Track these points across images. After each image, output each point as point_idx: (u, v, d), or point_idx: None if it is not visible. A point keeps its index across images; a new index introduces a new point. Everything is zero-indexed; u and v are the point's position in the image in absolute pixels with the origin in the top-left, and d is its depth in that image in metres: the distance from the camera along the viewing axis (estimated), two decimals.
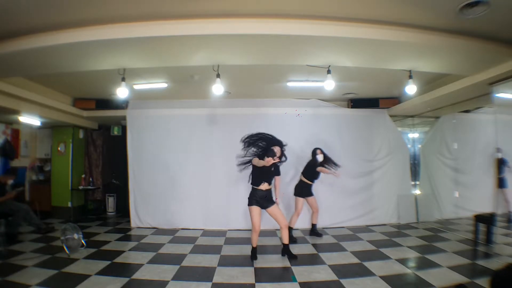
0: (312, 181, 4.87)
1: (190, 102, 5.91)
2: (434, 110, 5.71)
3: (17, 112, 4.94)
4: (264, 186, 3.70)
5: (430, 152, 6.36)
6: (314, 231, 5.06)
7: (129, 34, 2.92)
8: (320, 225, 5.36)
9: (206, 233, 5.34)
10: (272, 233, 5.27)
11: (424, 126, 6.65)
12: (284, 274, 3.38)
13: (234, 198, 5.64)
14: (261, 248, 4.28)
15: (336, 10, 2.79)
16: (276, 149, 3.65)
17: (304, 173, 4.89)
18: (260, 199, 3.70)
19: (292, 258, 3.78)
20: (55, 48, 3.10)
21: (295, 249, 4.34)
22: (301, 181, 4.90)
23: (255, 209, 3.69)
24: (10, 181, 5.21)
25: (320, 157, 4.76)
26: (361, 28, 2.91)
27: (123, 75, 3.91)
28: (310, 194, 4.92)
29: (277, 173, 3.86)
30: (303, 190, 4.85)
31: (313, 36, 2.93)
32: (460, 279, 3.12)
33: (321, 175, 4.88)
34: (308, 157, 4.99)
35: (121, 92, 4.03)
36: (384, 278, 3.19)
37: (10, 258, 3.77)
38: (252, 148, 3.81)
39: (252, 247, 3.86)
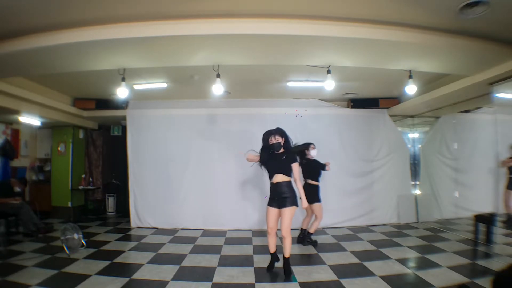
0: (317, 180, 4.52)
1: (190, 102, 5.91)
2: (434, 110, 5.71)
3: (17, 112, 4.94)
4: (275, 178, 3.20)
5: (430, 152, 6.37)
6: (309, 239, 4.53)
7: (129, 34, 2.92)
8: (320, 225, 5.35)
9: (206, 233, 5.33)
10: None
11: (424, 126, 6.65)
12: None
13: (234, 198, 5.65)
14: (262, 248, 4.29)
15: (336, 10, 2.78)
16: (275, 139, 3.24)
17: (307, 174, 4.54)
18: (274, 195, 3.21)
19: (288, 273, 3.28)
20: (55, 48, 3.10)
21: (295, 249, 4.34)
22: (307, 185, 4.43)
23: (269, 210, 3.25)
24: (18, 189, 5.35)
25: (314, 152, 4.47)
26: (361, 28, 2.91)
27: (123, 75, 3.90)
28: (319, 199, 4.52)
29: (292, 160, 3.26)
30: (311, 194, 4.33)
31: (313, 36, 2.93)
32: (460, 279, 3.12)
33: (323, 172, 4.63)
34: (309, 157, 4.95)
35: (121, 92, 4.03)
36: (384, 278, 3.19)
37: (10, 258, 3.77)
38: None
39: (270, 253, 3.44)
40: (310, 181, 4.52)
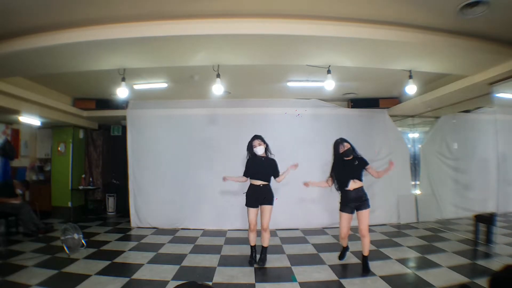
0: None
1: (190, 102, 5.90)
2: (434, 110, 5.71)
3: (17, 112, 4.94)
4: (352, 185, 3.35)
5: (430, 152, 6.36)
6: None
7: (129, 34, 2.91)
8: (320, 225, 5.35)
9: (206, 233, 5.33)
10: (272, 233, 5.26)
11: (424, 126, 6.65)
12: (284, 274, 3.37)
13: (234, 198, 5.64)
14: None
15: (336, 10, 2.78)
16: (344, 146, 3.38)
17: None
18: (350, 201, 3.37)
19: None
20: (55, 48, 3.10)
21: (295, 249, 4.34)
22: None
23: (343, 215, 3.43)
24: (20, 192, 5.37)
25: (258, 150, 3.60)
26: (362, 28, 2.91)
27: (123, 75, 3.90)
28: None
29: (365, 163, 3.42)
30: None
31: (313, 36, 2.93)
32: (460, 279, 3.12)
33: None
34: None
35: (121, 92, 4.03)
36: (384, 278, 3.19)
37: (10, 258, 3.77)
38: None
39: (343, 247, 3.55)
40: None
